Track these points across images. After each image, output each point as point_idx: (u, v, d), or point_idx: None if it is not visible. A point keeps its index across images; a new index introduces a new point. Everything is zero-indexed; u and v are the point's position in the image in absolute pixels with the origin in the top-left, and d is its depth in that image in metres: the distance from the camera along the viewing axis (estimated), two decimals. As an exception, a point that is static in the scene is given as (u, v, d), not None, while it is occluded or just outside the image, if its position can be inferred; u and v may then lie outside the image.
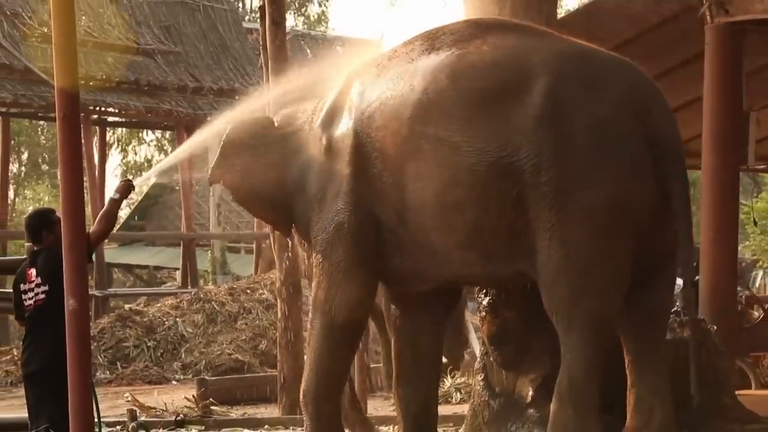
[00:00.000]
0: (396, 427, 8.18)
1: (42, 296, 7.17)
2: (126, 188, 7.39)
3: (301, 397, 7.69)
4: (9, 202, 25.88)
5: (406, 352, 7.70)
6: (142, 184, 8.02)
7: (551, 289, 6.77)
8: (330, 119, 7.44)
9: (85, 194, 20.36)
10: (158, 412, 11.75)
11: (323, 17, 40.40)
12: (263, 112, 8.52)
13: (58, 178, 6.60)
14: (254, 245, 24.35)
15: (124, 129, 34.16)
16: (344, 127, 7.30)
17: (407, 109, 6.97)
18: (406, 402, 7.72)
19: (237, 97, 24.03)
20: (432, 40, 7.17)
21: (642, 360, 7.09)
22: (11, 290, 7.56)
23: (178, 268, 25.16)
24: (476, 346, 13.46)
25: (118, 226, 30.90)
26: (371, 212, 7.18)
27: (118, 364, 16.65)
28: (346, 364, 7.71)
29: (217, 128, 8.00)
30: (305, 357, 7.95)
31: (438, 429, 7.87)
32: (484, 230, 6.80)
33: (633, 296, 6.87)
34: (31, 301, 7.22)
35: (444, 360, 11.84)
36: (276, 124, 7.83)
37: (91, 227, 7.09)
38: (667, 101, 7.00)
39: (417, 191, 6.94)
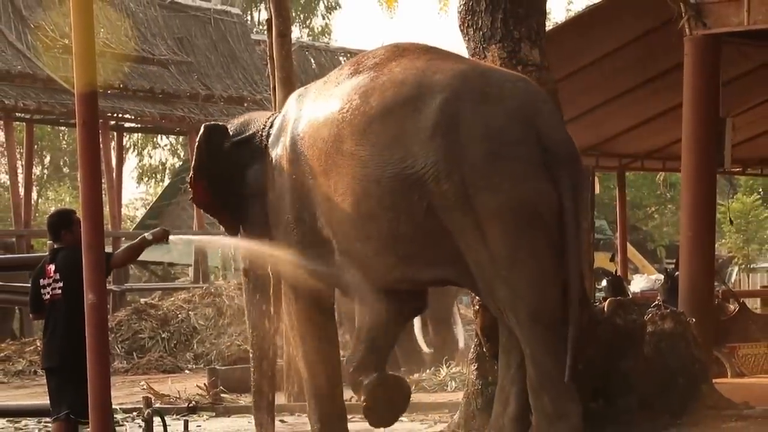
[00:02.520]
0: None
1: (58, 291, 7.17)
2: (162, 235, 7.39)
3: (306, 400, 7.78)
4: (33, 202, 25.83)
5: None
6: (176, 242, 8.08)
7: (491, 292, 6.79)
8: (276, 139, 7.61)
9: (104, 195, 20.35)
10: (172, 400, 11.76)
11: (327, 29, 40.35)
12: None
13: (78, 180, 6.59)
14: (262, 243, 24.29)
15: (139, 134, 34.11)
16: (284, 148, 7.47)
17: (327, 128, 7.12)
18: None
19: (246, 105, 24.08)
20: (357, 65, 7.33)
21: (511, 355, 7.04)
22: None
23: (191, 265, 25.09)
24: (461, 338, 13.49)
25: (134, 225, 30.96)
26: (311, 225, 7.32)
27: (135, 354, 16.63)
28: (329, 348, 7.72)
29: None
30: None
31: (433, 416, 7.89)
32: (399, 238, 6.88)
33: None
34: (49, 296, 7.22)
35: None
36: (230, 132, 7.92)
37: (116, 251, 7.16)
38: (559, 111, 7.04)
39: (339, 204, 7.06)
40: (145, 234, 7.38)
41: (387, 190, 6.81)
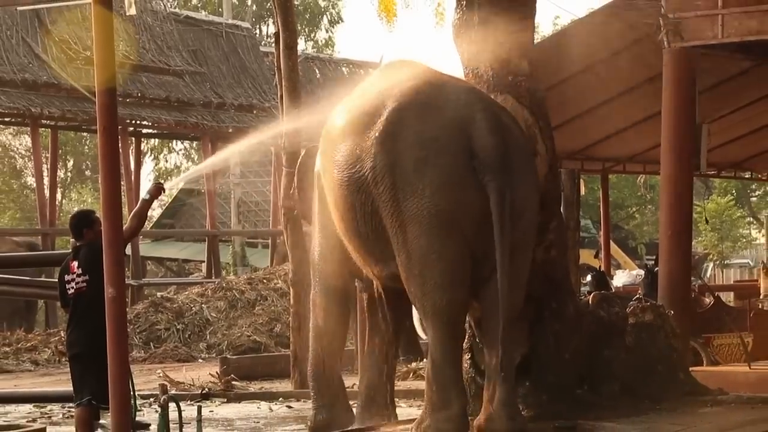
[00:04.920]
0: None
1: (83, 285, 7.17)
2: (156, 190, 7.41)
3: (308, 374, 7.83)
4: (57, 203, 25.83)
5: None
6: (172, 187, 7.96)
7: (406, 286, 6.99)
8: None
9: (123, 197, 20.35)
10: (186, 387, 11.77)
11: (330, 42, 40.33)
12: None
13: (99, 182, 6.59)
14: (270, 241, 24.33)
15: (156, 139, 34.12)
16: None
17: (325, 140, 7.48)
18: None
19: (255, 112, 24.10)
20: (361, 80, 7.58)
21: (490, 346, 7.08)
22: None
23: (204, 261, 25.13)
24: None
25: (151, 225, 30.94)
26: (331, 228, 7.50)
27: (151, 344, 16.63)
28: (335, 331, 7.82)
29: (231, 149, 8.38)
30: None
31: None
32: (362, 236, 7.12)
33: (478, 292, 6.97)
34: (73, 290, 7.22)
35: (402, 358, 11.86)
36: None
37: (125, 225, 7.09)
38: (495, 120, 6.96)
39: (330, 205, 7.37)
40: (142, 196, 7.39)
41: (345, 192, 7.08)
